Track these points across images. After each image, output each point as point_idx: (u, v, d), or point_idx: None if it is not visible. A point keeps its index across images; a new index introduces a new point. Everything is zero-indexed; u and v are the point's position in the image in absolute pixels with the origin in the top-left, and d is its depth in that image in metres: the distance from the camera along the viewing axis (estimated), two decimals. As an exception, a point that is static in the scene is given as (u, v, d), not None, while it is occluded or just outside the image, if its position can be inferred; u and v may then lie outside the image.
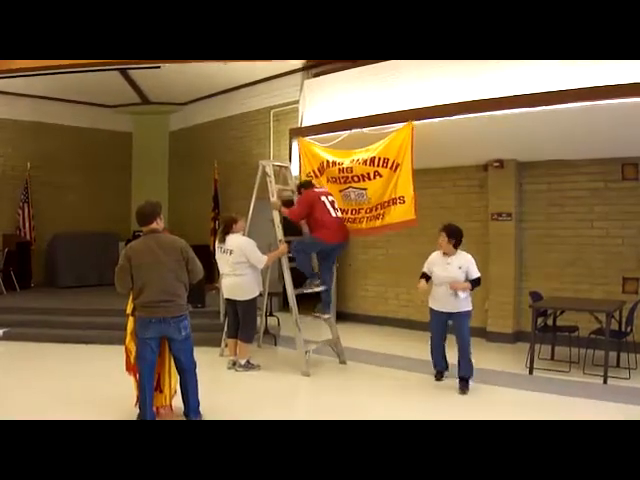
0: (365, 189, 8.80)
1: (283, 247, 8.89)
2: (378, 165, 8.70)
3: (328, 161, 9.23)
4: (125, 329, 6.33)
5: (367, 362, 9.11)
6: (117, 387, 6.83)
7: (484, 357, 8.81)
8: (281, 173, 9.87)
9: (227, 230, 8.65)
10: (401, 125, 8.53)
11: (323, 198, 8.71)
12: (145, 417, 6.02)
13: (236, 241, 8.52)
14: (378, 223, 8.65)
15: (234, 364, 8.67)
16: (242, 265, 8.42)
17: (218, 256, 8.74)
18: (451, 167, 11.32)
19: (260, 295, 9.11)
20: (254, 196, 9.58)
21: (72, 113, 15.66)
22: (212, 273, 12.34)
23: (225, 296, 8.83)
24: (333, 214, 8.68)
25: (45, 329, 10.47)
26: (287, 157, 12.09)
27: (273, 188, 9.14)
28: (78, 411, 6.45)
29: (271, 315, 11.10)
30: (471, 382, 7.50)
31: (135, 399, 6.23)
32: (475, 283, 7.54)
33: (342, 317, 12.19)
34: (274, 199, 9.04)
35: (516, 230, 10.72)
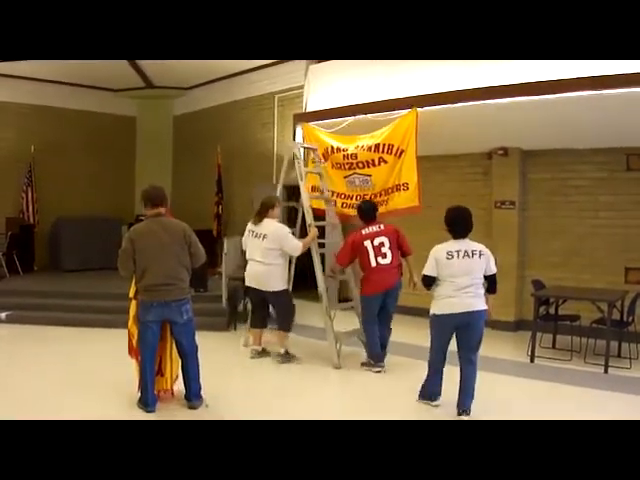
0: (370, 175, 8.80)
1: (314, 231, 8.37)
2: (383, 151, 8.70)
3: (332, 147, 9.23)
4: (128, 312, 6.34)
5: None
6: (119, 371, 6.85)
7: (486, 345, 8.70)
8: (309, 157, 9.50)
9: (264, 213, 8.12)
10: (405, 111, 8.52)
11: (367, 243, 7.81)
12: (146, 401, 6.05)
13: (272, 226, 8.03)
14: (382, 209, 8.62)
15: (258, 353, 8.43)
16: (274, 252, 7.96)
17: (248, 239, 8.27)
18: (455, 154, 11.29)
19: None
20: (281, 179, 9.34)
21: (76, 97, 15.65)
22: (215, 258, 12.36)
23: (250, 284, 8.28)
24: (373, 263, 7.80)
25: (48, 312, 10.50)
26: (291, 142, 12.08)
27: (302, 171, 8.76)
28: (79, 395, 6.52)
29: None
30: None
31: (138, 383, 6.23)
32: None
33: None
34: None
35: (519, 218, 10.72)
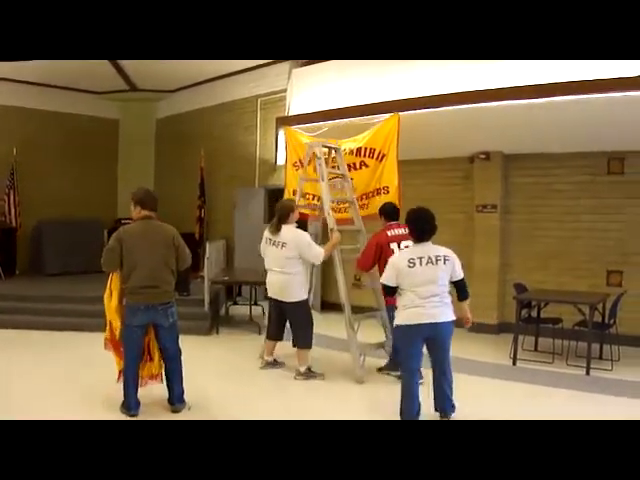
0: (351, 179, 8.80)
1: (337, 236, 7.82)
2: (364, 155, 8.70)
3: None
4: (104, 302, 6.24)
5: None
6: (102, 373, 6.79)
7: (468, 348, 8.83)
8: (330, 156, 8.67)
9: (284, 220, 7.59)
10: (387, 115, 8.53)
11: (393, 246, 7.48)
12: (129, 405, 6.03)
13: (291, 233, 7.54)
14: (362, 213, 8.61)
15: (268, 364, 8.08)
16: (294, 261, 7.50)
17: (265, 249, 7.77)
18: (437, 158, 11.29)
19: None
20: (301, 181, 8.61)
21: (59, 99, 15.57)
22: (197, 262, 12.34)
23: (270, 294, 7.86)
24: None
25: (29, 316, 10.45)
26: (274, 146, 12.10)
27: (324, 171, 8.13)
28: (62, 398, 6.50)
29: (255, 304, 11.12)
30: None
31: (117, 374, 6.26)
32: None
33: (328, 307, 12.12)
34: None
35: (501, 222, 10.76)
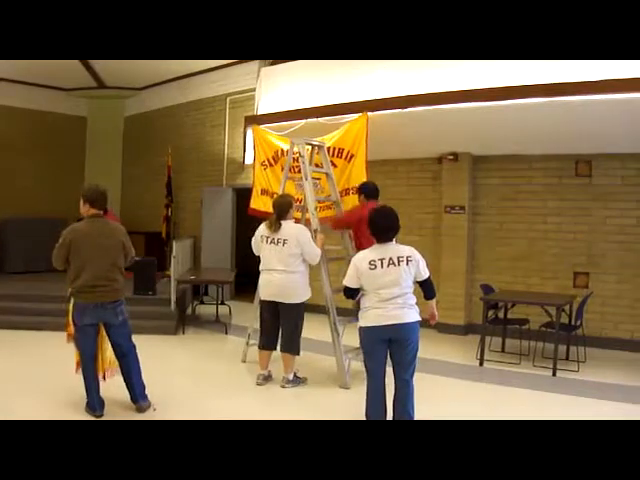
0: (319, 179, 8.74)
1: (321, 237, 7.45)
2: (333, 155, 8.65)
3: (283, 150, 9.14)
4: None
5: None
6: (66, 373, 6.65)
7: (435, 349, 8.85)
8: (313, 153, 8.39)
9: (283, 216, 7.17)
10: (356, 116, 8.51)
11: None
12: (93, 405, 5.98)
13: (292, 229, 7.15)
14: (331, 213, 8.57)
15: (265, 379, 7.43)
16: (297, 259, 7.10)
17: (263, 247, 7.28)
18: (406, 159, 11.32)
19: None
20: (283, 181, 8.28)
21: (25, 95, 15.41)
22: (163, 261, 12.27)
23: (266, 297, 7.31)
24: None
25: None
26: (242, 145, 12.05)
27: (307, 170, 7.83)
28: (27, 399, 6.40)
29: (222, 304, 11.07)
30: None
31: (75, 365, 6.19)
32: None
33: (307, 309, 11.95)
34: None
35: (469, 223, 10.77)
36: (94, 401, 5.98)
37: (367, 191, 7.80)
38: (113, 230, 6.13)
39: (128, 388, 6.20)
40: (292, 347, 7.26)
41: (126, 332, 6.18)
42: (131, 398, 6.20)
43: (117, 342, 6.13)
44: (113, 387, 6.26)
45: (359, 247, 7.31)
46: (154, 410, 6.18)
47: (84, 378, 6.00)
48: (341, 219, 7.94)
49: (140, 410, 6.13)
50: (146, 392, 6.24)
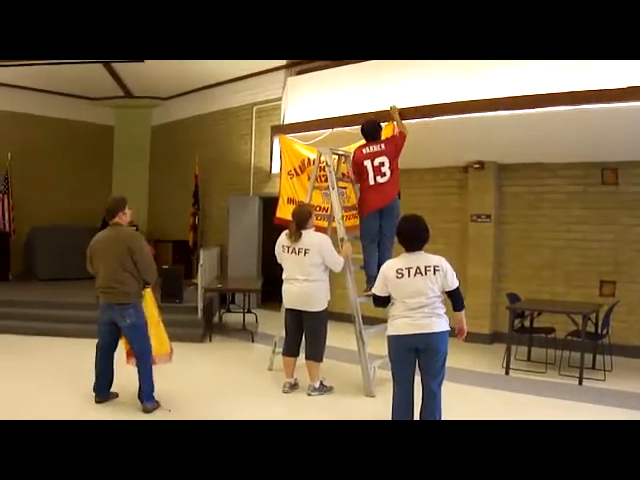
0: (345, 188, 8.77)
1: (348, 246, 7.60)
2: (360, 164, 8.68)
3: (309, 159, 9.18)
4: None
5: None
6: (88, 380, 6.78)
7: (460, 357, 8.83)
8: (340, 163, 8.48)
9: (303, 225, 7.16)
10: (384, 124, 8.52)
11: (367, 163, 7.59)
12: (94, 389, 6.62)
13: (313, 238, 7.15)
14: (357, 222, 8.59)
15: (291, 387, 7.44)
16: (318, 268, 7.11)
17: (284, 257, 7.31)
18: (431, 168, 11.36)
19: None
20: (310, 190, 8.42)
21: (54, 105, 15.63)
22: (190, 269, 12.36)
23: (290, 306, 7.37)
24: (371, 181, 7.61)
25: (21, 321, 10.43)
26: (268, 154, 12.12)
27: (334, 180, 7.89)
28: (51, 401, 6.56)
29: (249, 312, 11.13)
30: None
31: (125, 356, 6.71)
32: None
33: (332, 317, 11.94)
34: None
35: (495, 232, 10.78)
36: (98, 386, 6.63)
37: (364, 132, 7.93)
38: (119, 235, 6.44)
39: (139, 386, 6.50)
40: (315, 354, 7.27)
41: (136, 336, 6.49)
42: (138, 395, 6.48)
43: (130, 343, 6.57)
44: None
45: (361, 185, 7.82)
46: (169, 411, 6.35)
47: (95, 372, 6.62)
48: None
49: (145, 410, 6.36)
50: (154, 394, 6.48)
